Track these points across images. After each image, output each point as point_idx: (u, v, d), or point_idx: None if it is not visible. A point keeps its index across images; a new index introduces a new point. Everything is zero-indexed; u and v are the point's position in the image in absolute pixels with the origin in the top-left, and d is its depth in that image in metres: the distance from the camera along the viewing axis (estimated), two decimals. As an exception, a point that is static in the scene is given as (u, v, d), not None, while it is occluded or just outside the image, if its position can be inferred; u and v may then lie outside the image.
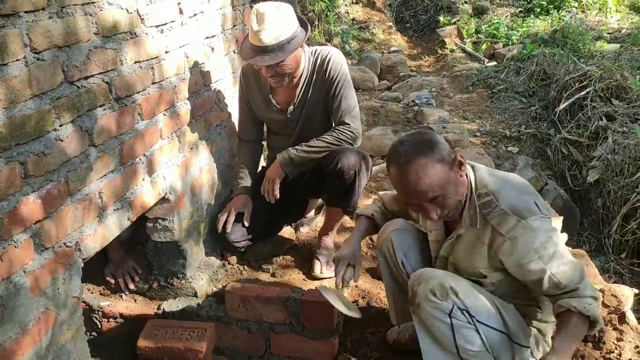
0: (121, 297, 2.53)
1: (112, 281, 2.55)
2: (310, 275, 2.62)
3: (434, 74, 7.63)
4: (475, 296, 1.80)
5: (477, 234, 1.80)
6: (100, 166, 1.85)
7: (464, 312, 1.76)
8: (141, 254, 2.60)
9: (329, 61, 2.51)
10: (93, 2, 1.77)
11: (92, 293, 2.56)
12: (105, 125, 1.86)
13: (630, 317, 2.19)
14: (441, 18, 9.53)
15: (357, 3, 9.54)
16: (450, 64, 7.71)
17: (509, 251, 1.73)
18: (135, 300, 2.52)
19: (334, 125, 2.56)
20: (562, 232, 3.00)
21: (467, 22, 9.14)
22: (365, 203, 3.13)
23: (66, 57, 1.66)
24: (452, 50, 8.39)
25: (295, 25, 2.41)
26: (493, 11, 9.48)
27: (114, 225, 1.94)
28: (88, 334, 2.48)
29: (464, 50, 8.24)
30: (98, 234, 1.86)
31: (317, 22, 7.65)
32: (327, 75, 2.51)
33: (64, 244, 1.70)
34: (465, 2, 9.78)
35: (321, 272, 2.58)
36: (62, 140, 1.66)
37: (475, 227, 1.79)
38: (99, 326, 2.47)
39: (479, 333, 1.78)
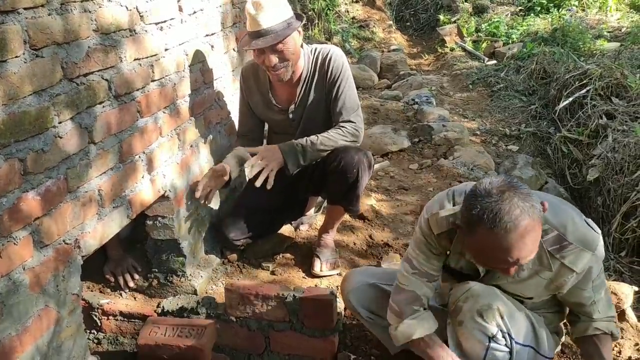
0: (121, 295, 2.53)
1: (112, 279, 2.55)
2: (310, 273, 2.62)
3: (434, 72, 7.63)
4: (517, 317, 1.78)
5: (537, 270, 1.73)
6: (99, 163, 1.85)
7: (505, 335, 1.75)
8: (141, 251, 2.60)
9: (330, 59, 2.51)
10: (92, 0, 1.77)
11: (91, 291, 2.56)
12: (105, 122, 1.86)
13: (630, 314, 2.19)
14: (441, 17, 9.52)
15: (357, 2, 9.54)
16: (450, 62, 7.71)
17: (575, 281, 1.73)
18: (134, 298, 2.52)
19: (334, 124, 2.55)
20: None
21: (467, 21, 9.13)
22: (365, 202, 3.14)
23: (65, 54, 1.65)
24: (452, 49, 8.39)
25: (290, 12, 2.42)
26: (493, 10, 9.47)
27: (114, 222, 1.94)
28: (88, 331, 2.49)
29: (464, 49, 8.24)
30: (97, 231, 1.86)
31: (317, 21, 7.64)
32: (328, 73, 2.51)
33: (64, 241, 1.70)
34: (465, 1, 9.78)
35: (321, 270, 2.58)
36: (61, 137, 1.66)
37: (544, 267, 1.70)
38: (99, 324, 2.47)
39: (510, 352, 1.78)
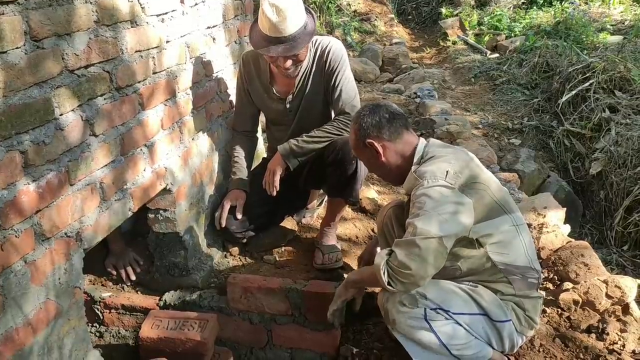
0: (122, 288, 2.53)
1: (114, 272, 2.54)
2: (312, 266, 2.61)
3: (435, 66, 7.60)
4: (444, 290, 1.83)
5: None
6: (101, 156, 1.83)
7: (438, 310, 1.79)
8: (142, 245, 2.60)
9: (329, 51, 2.50)
10: (93, -10, 1.76)
11: (93, 284, 2.55)
12: (106, 114, 1.85)
13: (634, 308, 2.18)
14: (443, 10, 9.48)
15: (358, -5, 9.49)
16: (452, 56, 7.68)
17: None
18: (136, 292, 2.51)
19: (333, 115, 2.55)
20: (565, 223, 3.01)
21: (469, 14, 9.09)
22: (365, 194, 3.13)
23: (66, 46, 1.64)
24: (454, 43, 8.35)
25: (305, 12, 2.40)
26: (496, 3, 9.41)
27: (115, 215, 1.93)
28: (90, 325, 2.49)
29: (466, 43, 8.20)
30: (99, 224, 1.85)
31: (318, 14, 7.60)
32: (327, 65, 2.50)
33: (65, 233, 1.69)
34: (468, -6, 9.72)
35: (323, 263, 2.57)
36: (62, 130, 1.65)
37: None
38: (101, 317, 2.46)
39: (460, 325, 1.81)
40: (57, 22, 1.60)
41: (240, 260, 2.68)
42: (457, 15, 9.11)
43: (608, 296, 2.18)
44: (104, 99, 1.84)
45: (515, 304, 1.90)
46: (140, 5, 2.02)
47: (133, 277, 2.52)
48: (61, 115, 1.64)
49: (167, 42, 2.22)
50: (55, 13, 1.59)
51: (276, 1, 2.27)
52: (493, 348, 1.89)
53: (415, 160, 1.94)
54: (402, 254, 1.73)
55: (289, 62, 2.37)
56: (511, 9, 9.13)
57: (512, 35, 7.92)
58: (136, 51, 2.00)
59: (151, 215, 2.38)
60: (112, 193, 1.91)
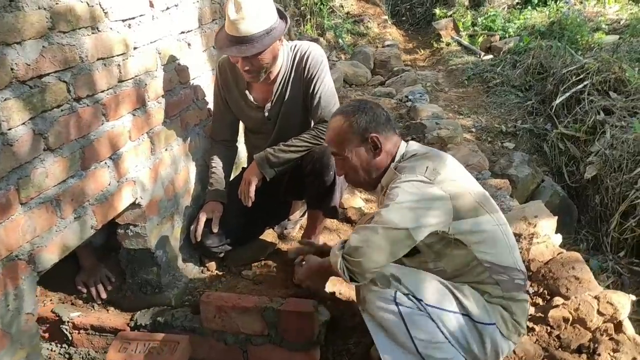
0: (93, 307, 2.41)
1: (84, 290, 2.42)
2: (292, 282, 2.49)
3: (429, 68, 7.49)
4: (421, 279, 1.75)
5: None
6: (57, 171, 1.72)
7: (410, 296, 1.71)
8: (115, 260, 2.48)
9: (307, 57, 2.39)
10: (47, -5, 1.64)
11: (63, 303, 2.44)
12: (63, 127, 1.74)
13: (628, 326, 2.07)
14: (437, 11, 9.36)
15: (351, -4, 9.38)
16: (446, 57, 7.57)
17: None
18: (107, 311, 2.39)
19: (312, 124, 2.44)
20: (556, 232, 2.90)
21: (463, 15, 8.98)
22: (351, 204, 3.02)
23: (16, 55, 1.53)
24: (448, 44, 8.25)
25: (275, 16, 2.28)
26: (490, 3, 9.31)
27: (75, 234, 1.82)
28: (58, 345, 2.37)
29: (459, 44, 8.09)
30: (55, 244, 1.73)
31: (309, 16, 7.49)
32: (305, 72, 2.39)
33: (16, 256, 1.58)
34: (462, -6, 9.62)
35: (303, 279, 2.45)
36: (11, 145, 1.53)
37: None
38: (70, 338, 2.34)
39: (434, 322, 1.71)
40: (4, 30, 1.49)
41: (218, 275, 2.57)
42: (450, 16, 9.00)
43: (600, 313, 2.07)
44: (61, 110, 1.73)
45: (503, 308, 1.79)
46: (103, 10, 1.91)
47: (104, 295, 2.40)
48: (9, 129, 1.53)
49: (135, 48, 2.11)
50: (2, 20, 1.48)
51: None
52: (474, 354, 1.76)
53: (396, 159, 1.87)
54: (356, 239, 1.69)
55: (247, 65, 2.26)
56: (505, 9, 9.02)
57: (507, 36, 7.81)
58: (98, 59, 1.89)
59: (121, 231, 2.27)
60: (70, 210, 1.79)
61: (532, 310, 2.26)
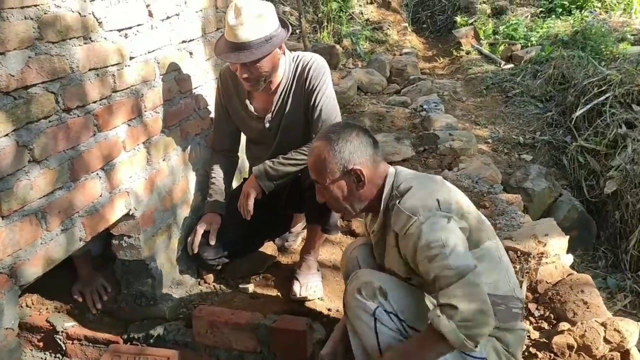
0: (88, 317, 2.39)
1: (80, 299, 2.40)
2: (289, 296, 2.44)
3: (447, 76, 7.37)
4: (410, 300, 1.66)
5: (386, 236, 1.76)
6: (43, 183, 1.69)
7: (391, 315, 1.64)
8: (113, 270, 2.45)
9: (309, 68, 2.34)
10: (36, 5, 1.62)
11: (59, 312, 2.42)
12: (51, 138, 1.71)
13: (635, 355, 1.96)
14: (458, 18, 9.23)
15: (371, 3, 9.30)
16: (465, 66, 7.44)
17: (405, 248, 1.63)
18: (102, 321, 2.37)
19: (313, 136, 2.38)
20: (574, 248, 2.78)
21: (484, 23, 8.83)
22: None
23: (-1, 66, 1.50)
24: (467, 52, 8.11)
25: (276, 24, 2.24)
26: (512, 11, 9.14)
27: (61, 247, 1.79)
28: (52, 355, 2.36)
29: (480, 52, 7.96)
30: (40, 257, 1.70)
31: (325, 23, 7.45)
32: (307, 83, 2.34)
33: (-4, 270, 1.55)
34: (484, 2, 9.47)
35: (300, 294, 2.39)
36: (-8, 157, 1.51)
37: (382, 229, 1.77)
38: (63, 348, 2.32)
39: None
40: (-12, 40, 1.46)
41: (215, 288, 2.52)
42: (472, 24, 8.86)
43: (606, 341, 1.96)
44: (49, 121, 1.70)
45: (497, 339, 1.70)
46: (97, 20, 1.88)
47: (99, 306, 2.38)
48: (-9, 141, 1.50)
49: (132, 58, 2.09)
50: (-14, 30, 1.46)
51: (242, 2, 2.12)
52: None
53: (386, 191, 1.75)
54: (465, 302, 1.47)
55: (246, 73, 2.21)
56: (528, 17, 8.85)
57: (528, 45, 7.64)
58: (90, 69, 1.86)
59: (115, 242, 2.24)
60: (57, 223, 1.76)
61: (536, 335, 2.17)
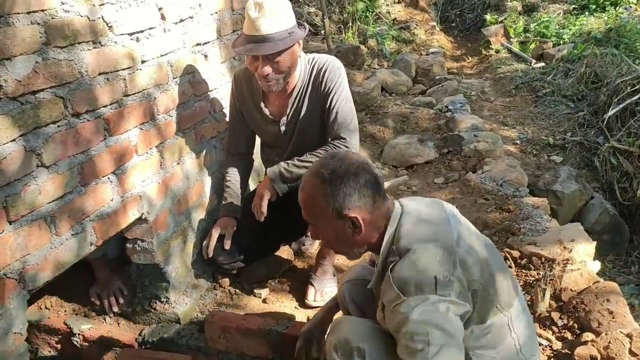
0: (105, 319, 2.40)
1: (97, 302, 2.42)
2: (304, 302, 2.40)
3: (475, 76, 7.23)
4: (390, 358, 1.46)
5: (377, 292, 1.58)
6: (52, 188, 1.70)
7: None
8: (129, 273, 2.46)
9: (325, 70, 2.30)
10: (43, 10, 1.62)
11: (76, 314, 2.44)
12: (59, 143, 1.71)
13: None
14: (488, 16, 9.05)
15: (399, 2, 9.19)
16: (494, 65, 7.28)
17: (389, 322, 1.47)
18: (118, 324, 2.38)
19: (329, 139, 2.34)
20: (606, 252, 2.64)
21: (515, 21, 8.63)
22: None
23: (5, 71, 1.51)
24: (497, 51, 7.94)
25: (294, 21, 2.23)
26: (544, 8, 8.91)
27: (71, 251, 1.79)
28: (69, 357, 2.37)
29: (509, 51, 7.78)
30: (49, 262, 1.70)
31: (351, 23, 7.39)
32: (323, 86, 2.30)
33: (4, 275, 1.56)
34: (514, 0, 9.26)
35: (315, 300, 2.36)
36: (-1, 162, 1.51)
37: (379, 280, 1.56)
38: (80, 350, 2.34)
39: None
40: (-6, 46, 1.47)
41: (229, 292, 2.51)
42: (501, 22, 8.68)
43: (632, 353, 1.87)
44: (57, 126, 1.70)
45: None
46: (107, 24, 1.88)
47: (115, 309, 2.39)
48: (-2, 146, 1.51)
49: (144, 61, 2.08)
50: (-8, 36, 1.46)
51: (262, 0, 2.11)
52: None
53: (386, 239, 1.53)
54: None
55: (268, 68, 2.17)
56: (561, 14, 8.62)
57: (560, 42, 7.44)
58: (100, 73, 1.86)
59: (129, 245, 2.24)
60: (67, 227, 1.76)
61: (558, 345, 2.08)
